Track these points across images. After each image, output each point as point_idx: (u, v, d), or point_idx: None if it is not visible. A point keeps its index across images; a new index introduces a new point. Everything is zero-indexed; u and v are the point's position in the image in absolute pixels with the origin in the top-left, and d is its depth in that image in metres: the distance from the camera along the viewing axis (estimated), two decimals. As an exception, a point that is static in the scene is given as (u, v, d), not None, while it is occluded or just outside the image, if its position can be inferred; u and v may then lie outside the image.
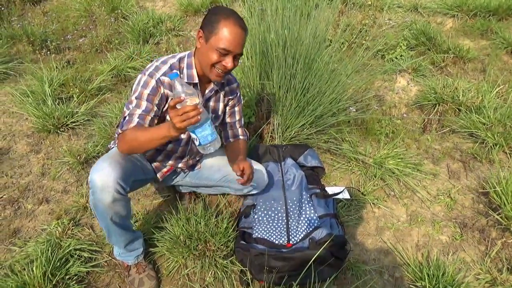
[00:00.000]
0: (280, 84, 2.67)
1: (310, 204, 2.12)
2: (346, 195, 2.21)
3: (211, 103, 1.88)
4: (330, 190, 2.24)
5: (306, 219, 2.05)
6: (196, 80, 1.71)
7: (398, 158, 2.61)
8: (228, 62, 1.60)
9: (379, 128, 3.05)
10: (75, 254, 1.96)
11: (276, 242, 1.97)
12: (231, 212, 2.23)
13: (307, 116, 2.62)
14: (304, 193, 2.19)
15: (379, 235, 2.16)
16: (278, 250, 1.90)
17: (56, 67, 3.70)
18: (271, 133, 2.67)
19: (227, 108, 2.00)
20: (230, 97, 1.97)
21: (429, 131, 3.21)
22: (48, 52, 4.11)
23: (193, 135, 1.43)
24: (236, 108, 2.04)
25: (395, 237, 2.16)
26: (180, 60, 1.71)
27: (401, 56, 4.12)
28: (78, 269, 1.88)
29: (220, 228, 2.05)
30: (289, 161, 2.41)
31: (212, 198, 2.35)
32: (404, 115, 3.20)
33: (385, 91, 3.63)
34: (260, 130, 2.65)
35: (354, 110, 2.79)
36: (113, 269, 1.96)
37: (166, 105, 1.68)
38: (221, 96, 1.90)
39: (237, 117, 2.06)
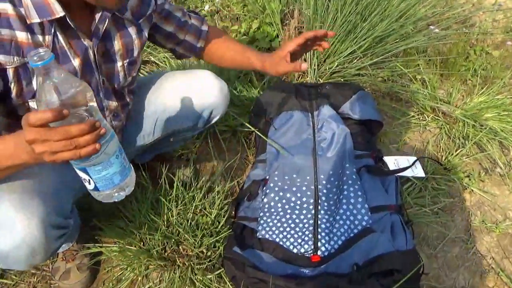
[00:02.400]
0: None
1: (357, 186, 1.26)
2: (419, 172, 1.32)
3: (116, 41, 0.94)
4: (391, 161, 1.36)
5: (348, 213, 1.21)
6: (59, 12, 0.78)
7: (502, 110, 1.64)
8: None
9: (466, 63, 2.04)
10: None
11: (295, 250, 1.16)
12: (230, 189, 1.43)
13: (359, 39, 1.66)
14: (348, 164, 1.32)
15: (473, 243, 1.28)
16: (296, 271, 1.09)
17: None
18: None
19: (156, 20, 1.08)
20: (150, 11, 1.02)
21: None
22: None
23: (82, 174, 0.70)
24: (167, 6, 1.09)
25: (501, 248, 1.28)
26: None
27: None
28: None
29: (206, 217, 1.27)
30: (327, 109, 1.51)
31: (205, 165, 1.54)
32: (509, 42, 2.13)
33: (472, 9, 2.53)
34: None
35: (437, 30, 1.78)
36: (31, 283, 1.25)
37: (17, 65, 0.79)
38: (127, 22, 0.96)
39: (179, 14, 1.13)
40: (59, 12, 0.77)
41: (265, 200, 1.27)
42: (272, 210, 1.25)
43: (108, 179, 0.71)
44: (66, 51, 0.84)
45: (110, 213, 1.27)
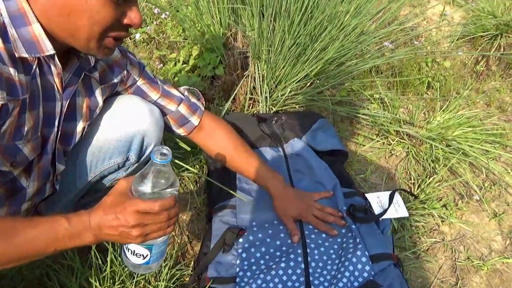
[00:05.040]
0: (262, 9, 1.53)
1: (352, 230, 1.07)
2: (402, 211, 1.15)
3: (80, 100, 0.86)
4: (373, 199, 1.16)
5: (347, 263, 1.00)
6: (49, 50, 0.71)
7: (467, 127, 1.55)
8: (136, 15, 0.73)
9: (419, 76, 1.97)
10: None
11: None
12: (180, 249, 1.19)
13: (311, 62, 1.51)
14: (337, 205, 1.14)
15: (462, 286, 1.14)
16: None
17: None
18: (251, 94, 1.57)
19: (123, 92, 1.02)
20: (116, 80, 0.93)
21: (486, 76, 2.14)
22: None
23: (141, 250, 0.76)
24: (143, 86, 1.01)
25: (492, 288, 1.14)
26: None
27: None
28: None
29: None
30: (297, 143, 1.34)
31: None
32: (460, 53, 2.09)
33: (418, 22, 2.49)
34: (236, 91, 1.55)
35: (392, 47, 1.67)
36: None
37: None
38: (94, 82, 0.88)
39: (161, 84, 1.05)
40: (49, 49, 0.71)
41: (244, 255, 1.05)
42: (254, 267, 1.02)
43: (163, 251, 0.78)
44: (40, 96, 0.74)
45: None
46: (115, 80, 0.93)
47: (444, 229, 1.26)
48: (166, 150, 0.70)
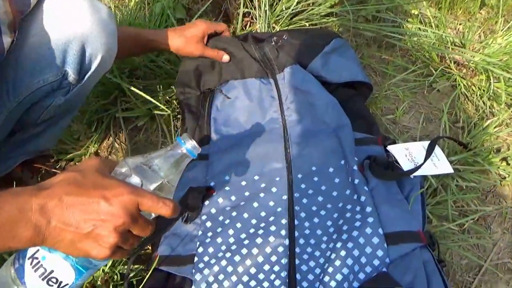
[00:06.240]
0: None
1: (363, 195, 0.75)
2: (443, 166, 0.80)
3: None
4: (400, 151, 0.82)
5: (350, 244, 0.70)
6: None
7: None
8: None
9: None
10: None
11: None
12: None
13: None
14: (343, 160, 0.81)
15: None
16: None
17: None
18: (247, 7, 1.19)
19: None
20: None
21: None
22: None
23: (62, 269, 0.51)
24: None
25: None
26: None
27: None
28: None
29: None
30: (296, 71, 0.98)
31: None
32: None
33: None
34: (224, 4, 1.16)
35: None
36: None
37: None
38: None
39: None
40: None
41: (209, 224, 0.76)
42: (219, 240, 0.73)
43: (83, 283, 0.56)
44: None
45: None
46: None
47: (504, 191, 0.92)
48: (196, 143, 0.57)
